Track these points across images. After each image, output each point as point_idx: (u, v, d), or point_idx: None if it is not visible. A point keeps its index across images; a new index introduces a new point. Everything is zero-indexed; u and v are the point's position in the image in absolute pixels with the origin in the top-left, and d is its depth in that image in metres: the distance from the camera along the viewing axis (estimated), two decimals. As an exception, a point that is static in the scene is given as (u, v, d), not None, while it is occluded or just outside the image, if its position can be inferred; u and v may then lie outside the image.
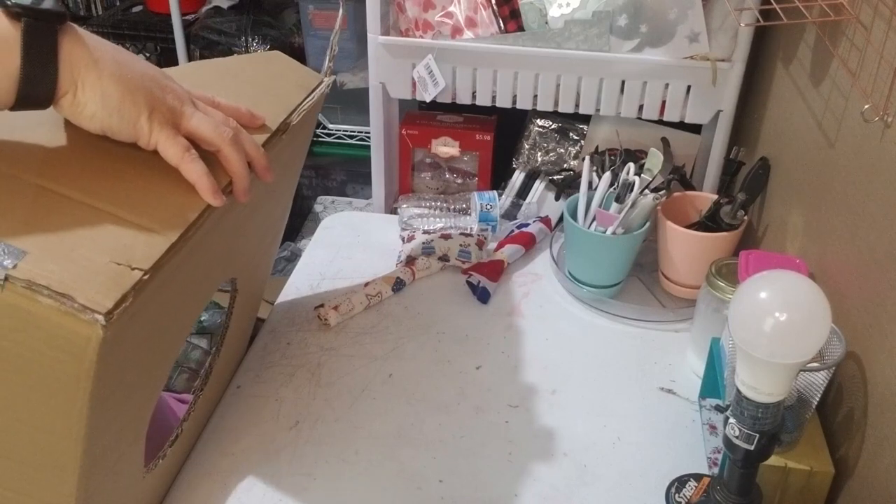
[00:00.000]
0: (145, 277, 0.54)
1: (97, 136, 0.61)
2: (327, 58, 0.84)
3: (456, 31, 1.22)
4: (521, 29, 1.20)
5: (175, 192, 0.62)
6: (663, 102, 1.22)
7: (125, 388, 0.60)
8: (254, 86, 0.79)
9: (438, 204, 1.34)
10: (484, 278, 1.15)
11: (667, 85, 1.20)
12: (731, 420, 0.70)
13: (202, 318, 1.55)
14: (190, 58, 1.96)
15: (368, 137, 1.39)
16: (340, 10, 0.91)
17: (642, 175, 1.08)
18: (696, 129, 1.30)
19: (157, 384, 0.69)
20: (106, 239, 0.55)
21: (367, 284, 1.14)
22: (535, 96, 1.24)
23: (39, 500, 0.60)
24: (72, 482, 0.58)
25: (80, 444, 0.56)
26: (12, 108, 0.57)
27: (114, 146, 0.62)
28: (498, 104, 1.26)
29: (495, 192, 1.32)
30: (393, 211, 1.40)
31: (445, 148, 1.37)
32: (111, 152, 0.62)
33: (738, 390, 0.69)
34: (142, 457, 0.72)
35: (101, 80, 0.59)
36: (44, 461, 0.58)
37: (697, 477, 0.84)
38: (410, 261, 1.19)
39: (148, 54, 2.23)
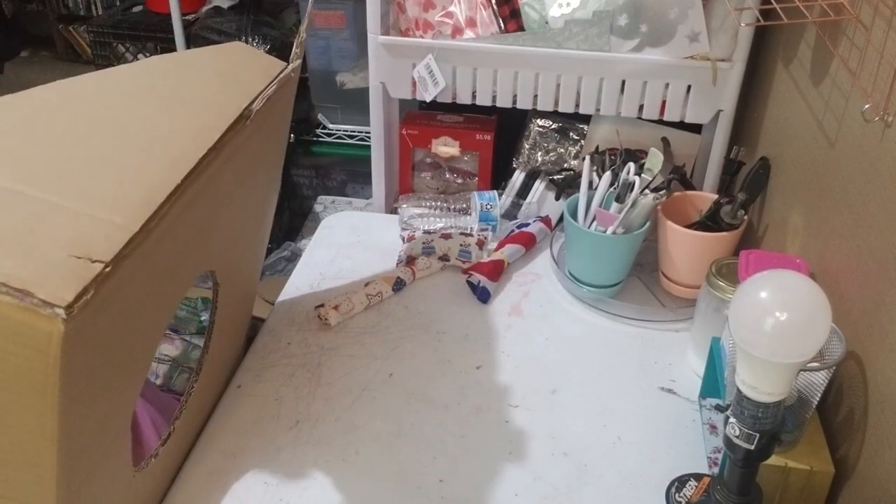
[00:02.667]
0: (107, 270, 0.53)
1: (53, 129, 0.60)
2: (295, 43, 0.83)
3: (456, 31, 1.22)
4: (521, 29, 1.20)
5: (137, 182, 0.61)
6: (663, 102, 1.22)
7: (98, 383, 0.60)
8: (215, 76, 0.79)
9: (438, 204, 1.34)
10: (484, 278, 1.15)
11: (667, 85, 1.19)
12: (732, 419, 0.70)
13: (202, 318, 1.55)
14: (190, 58, 1.95)
15: (368, 137, 1.39)
16: (310, 4, 0.91)
17: (642, 175, 1.08)
18: (696, 128, 1.30)
19: (134, 380, 0.68)
20: (64, 233, 0.54)
21: (367, 284, 1.14)
22: (536, 96, 1.24)
23: (20, 501, 0.60)
24: (50, 481, 0.58)
25: (54, 442, 0.55)
26: None
27: (70, 137, 0.61)
28: (498, 104, 1.26)
29: (495, 191, 1.32)
30: (393, 211, 1.40)
31: (445, 148, 1.37)
32: (66, 146, 0.62)
33: (738, 390, 0.69)
34: (128, 455, 0.71)
35: None
36: (20, 461, 0.57)
37: (698, 476, 0.84)
38: (411, 260, 1.19)
39: (148, 54, 2.24)
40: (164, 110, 0.71)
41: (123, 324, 0.60)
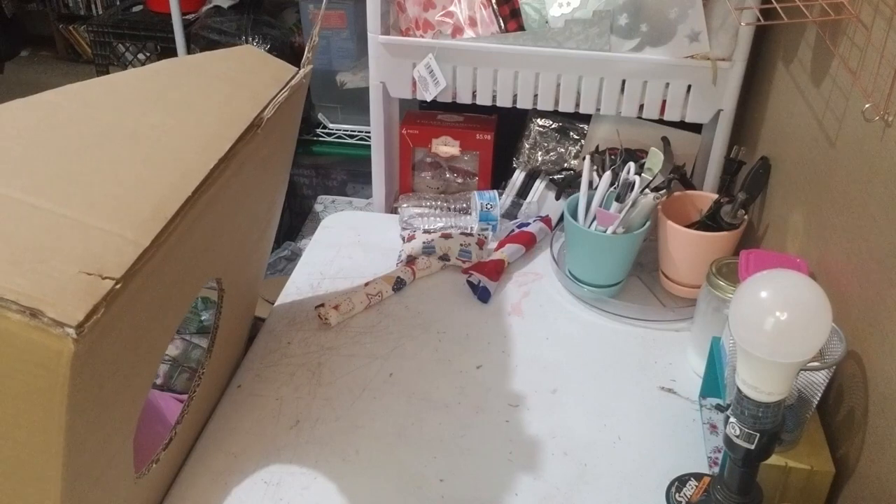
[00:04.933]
0: (117, 286, 0.52)
1: (63, 137, 0.60)
2: (307, 48, 0.82)
3: (456, 31, 1.22)
4: (521, 28, 1.20)
5: (147, 194, 0.60)
6: (664, 102, 1.22)
7: (105, 397, 0.59)
8: (226, 82, 0.78)
9: (439, 203, 1.34)
10: (484, 278, 1.15)
11: (667, 84, 1.19)
12: (732, 419, 0.70)
13: (202, 318, 1.55)
14: (190, 57, 1.95)
15: (369, 137, 1.39)
16: (323, 4, 0.90)
17: (643, 174, 1.08)
18: (696, 128, 1.30)
19: (140, 391, 0.67)
20: (75, 248, 0.53)
21: (367, 284, 1.13)
22: (536, 96, 1.24)
23: None
24: (55, 494, 0.58)
25: (59, 457, 0.55)
26: None
27: (81, 145, 0.61)
28: (498, 104, 1.26)
29: (496, 191, 1.32)
30: (393, 210, 1.40)
31: (446, 147, 1.37)
32: (77, 155, 0.61)
33: (738, 389, 0.69)
34: (131, 463, 0.71)
35: None
36: (26, 475, 0.57)
37: (698, 476, 0.84)
38: (411, 260, 1.19)
39: (148, 54, 2.24)
40: (174, 118, 0.70)
41: (132, 338, 0.60)
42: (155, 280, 0.59)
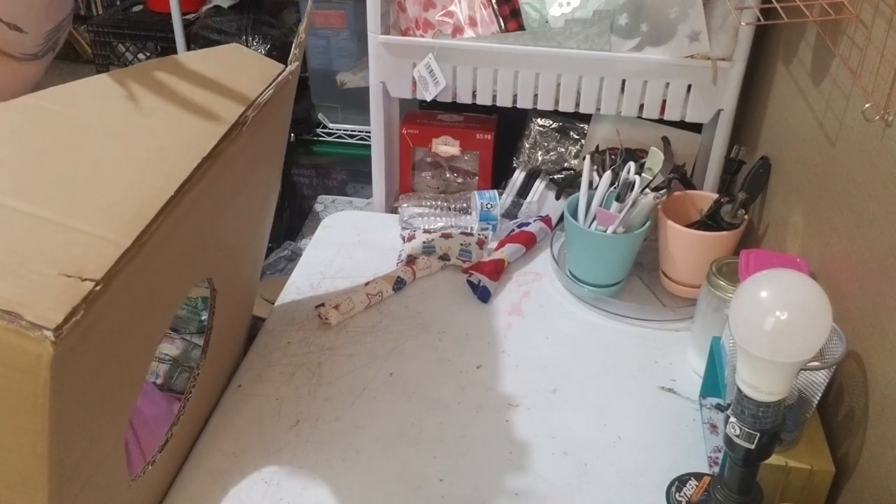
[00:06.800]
0: (97, 288, 0.52)
1: (44, 139, 0.59)
2: (293, 45, 0.82)
3: (456, 31, 1.22)
4: (521, 28, 1.20)
5: (130, 195, 0.60)
6: (664, 101, 1.22)
7: (90, 400, 0.59)
8: (211, 80, 0.77)
9: (439, 203, 1.34)
10: (484, 277, 1.15)
11: (667, 84, 1.19)
12: (732, 419, 0.70)
13: (202, 318, 1.55)
14: (190, 57, 1.95)
15: (369, 137, 1.39)
16: (309, 3, 0.91)
17: (643, 174, 1.08)
18: (696, 128, 1.30)
19: (129, 392, 0.67)
20: (55, 251, 0.53)
21: (367, 284, 1.13)
22: (536, 95, 1.24)
23: None
24: (43, 499, 0.57)
25: (45, 461, 0.55)
26: None
27: (62, 147, 0.60)
28: (498, 103, 1.26)
29: (496, 191, 1.32)
30: (393, 210, 1.40)
31: (446, 147, 1.37)
32: (59, 157, 0.60)
33: (738, 389, 0.69)
34: (124, 465, 0.70)
35: None
36: (12, 480, 0.56)
37: (698, 476, 0.84)
38: (411, 260, 1.19)
39: (148, 54, 2.23)
40: (158, 118, 0.69)
41: (116, 340, 0.59)
42: (138, 281, 0.58)
